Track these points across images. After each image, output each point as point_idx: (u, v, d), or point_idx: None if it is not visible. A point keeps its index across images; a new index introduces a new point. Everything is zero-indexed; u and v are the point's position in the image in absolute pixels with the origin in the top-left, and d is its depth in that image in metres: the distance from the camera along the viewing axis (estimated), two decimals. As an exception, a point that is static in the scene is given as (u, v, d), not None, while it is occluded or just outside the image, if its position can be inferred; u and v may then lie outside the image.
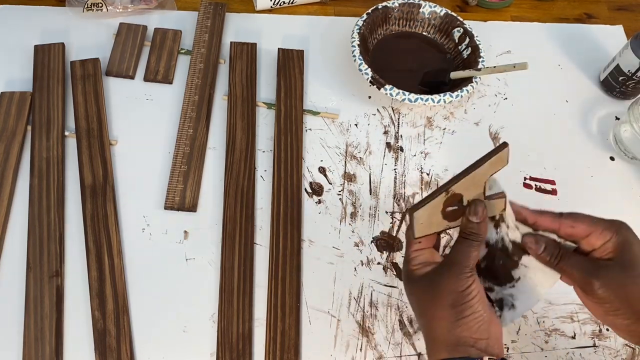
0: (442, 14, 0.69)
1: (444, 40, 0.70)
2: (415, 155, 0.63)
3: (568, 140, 0.66)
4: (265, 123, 0.64)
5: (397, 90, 0.61)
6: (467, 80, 0.63)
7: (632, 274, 0.39)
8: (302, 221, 0.57)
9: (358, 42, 0.64)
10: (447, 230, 0.57)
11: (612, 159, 0.65)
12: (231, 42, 0.68)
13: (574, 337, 0.53)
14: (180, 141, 0.61)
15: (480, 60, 0.65)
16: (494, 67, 0.62)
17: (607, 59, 0.71)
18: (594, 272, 0.40)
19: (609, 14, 0.79)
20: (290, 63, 0.67)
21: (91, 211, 0.56)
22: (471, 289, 0.39)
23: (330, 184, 0.60)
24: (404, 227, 0.58)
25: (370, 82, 0.62)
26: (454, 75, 0.64)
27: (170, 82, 0.66)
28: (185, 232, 0.56)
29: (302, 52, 0.69)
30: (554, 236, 0.42)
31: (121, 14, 0.70)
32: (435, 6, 0.69)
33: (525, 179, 0.62)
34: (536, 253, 0.42)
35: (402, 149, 0.63)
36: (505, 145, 0.40)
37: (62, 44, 0.66)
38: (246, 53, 0.68)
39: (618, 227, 0.41)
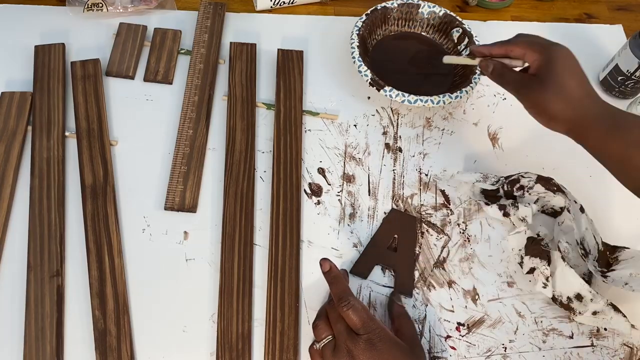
0: (441, 14, 0.69)
1: (443, 40, 0.70)
2: (414, 156, 0.63)
3: (567, 140, 0.66)
4: (264, 124, 0.64)
5: (396, 92, 0.61)
6: (467, 81, 0.63)
7: (546, 89, 0.49)
8: (301, 222, 0.57)
9: (357, 44, 0.64)
10: (445, 231, 0.58)
11: (610, 159, 0.65)
12: (231, 43, 0.68)
13: (571, 337, 0.53)
14: (180, 142, 0.61)
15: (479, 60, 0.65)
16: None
17: (607, 59, 0.71)
18: (522, 84, 0.51)
19: (608, 14, 0.79)
20: (290, 64, 0.68)
21: (91, 211, 0.56)
22: None
23: (329, 184, 0.60)
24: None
25: (370, 83, 0.62)
26: (447, 59, 0.61)
27: (170, 83, 0.66)
28: (185, 232, 0.56)
29: (301, 52, 0.69)
30: (507, 62, 0.54)
31: (121, 14, 0.71)
32: (434, 6, 0.69)
33: (523, 179, 0.62)
34: (488, 73, 0.55)
35: (400, 150, 0.63)
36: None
37: (63, 44, 0.66)
38: (246, 53, 0.68)
39: (547, 48, 0.50)
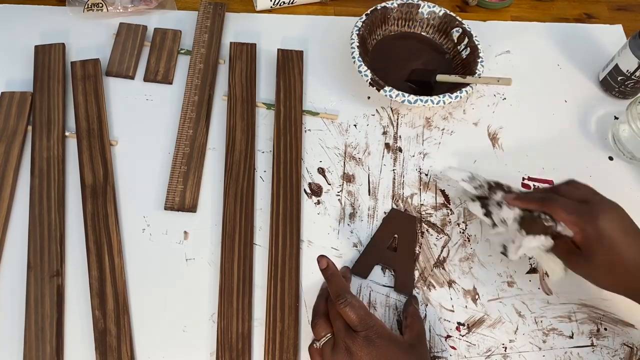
0: (440, 14, 0.69)
1: (443, 40, 0.70)
2: (414, 156, 0.63)
3: (567, 140, 0.66)
4: (264, 124, 0.64)
5: (396, 92, 0.61)
6: (459, 83, 0.63)
7: (593, 265, 0.47)
8: (301, 222, 0.57)
9: (357, 44, 0.64)
10: (445, 231, 0.58)
11: (610, 158, 0.65)
12: (231, 43, 0.68)
13: (571, 337, 0.53)
14: (180, 142, 0.61)
15: (479, 60, 0.65)
16: (479, 76, 0.62)
17: (607, 59, 0.71)
18: (569, 258, 0.49)
19: (608, 14, 0.79)
20: (290, 64, 0.68)
21: (92, 211, 0.56)
22: None
23: (329, 184, 0.60)
24: (402, 228, 0.58)
25: (370, 83, 0.62)
26: (440, 78, 0.64)
27: (170, 83, 0.66)
28: (185, 232, 0.56)
29: (301, 52, 0.69)
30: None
31: (121, 14, 0.71)
32: (434, 6, 0.69)
33: (523, 179, 0.62)
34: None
35: (400, 150, 0.63)
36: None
37: (63, 44, 0.66)
38: (246, 53, 0.68)
39: (590, 220, 0.47)
